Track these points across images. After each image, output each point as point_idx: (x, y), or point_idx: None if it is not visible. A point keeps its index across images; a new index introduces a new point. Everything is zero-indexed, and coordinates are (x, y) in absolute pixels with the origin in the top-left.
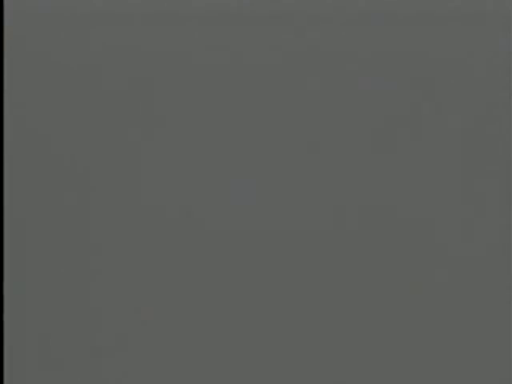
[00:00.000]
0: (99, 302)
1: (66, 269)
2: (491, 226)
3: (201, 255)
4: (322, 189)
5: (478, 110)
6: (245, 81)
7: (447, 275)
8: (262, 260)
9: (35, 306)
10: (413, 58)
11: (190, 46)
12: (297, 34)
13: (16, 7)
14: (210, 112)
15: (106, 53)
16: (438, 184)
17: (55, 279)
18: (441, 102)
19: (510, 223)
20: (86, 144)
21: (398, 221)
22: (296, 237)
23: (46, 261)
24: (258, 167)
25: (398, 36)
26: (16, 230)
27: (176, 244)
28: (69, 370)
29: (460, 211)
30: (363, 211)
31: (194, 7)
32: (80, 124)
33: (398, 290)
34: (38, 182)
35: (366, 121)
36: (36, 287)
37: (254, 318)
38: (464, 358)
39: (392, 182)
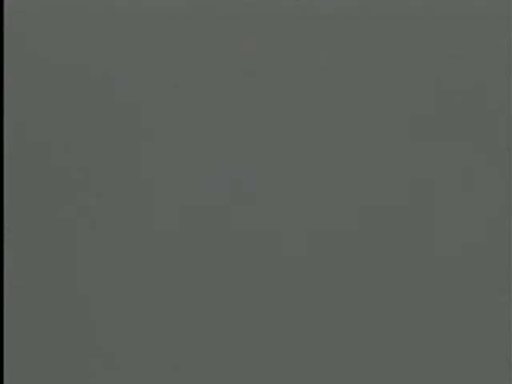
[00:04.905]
0: (99, 302)
1: (66, 269)
2: (491, 226)
3: (199, 256)
4: (322, 188)
5: (478, 110)
6: (245, 82)
7: (447, 275)
8: (261, 261)
9: (35, 306)
10: (412, 58)
11: (190, 46)
12: (297, 35)
13: (16, 7)
14: (210, 113)
15: (105, 53)
16: (437, 182)
17: (55, 279)
18: (441, 102)
19: (510, 223)
20: (85, 145)
21: (397, 221)
22: (297, 238)
23: (45, 261)
24: (260, 167)
25: (397, 36)
26: (16, 230)
27: (176, 248)
28: (69, 370)
29: (459, 210)
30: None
31: (194, 7)
32: (80, 124)
33: (395, 289)
34: (37, 182)
35: (365, 120)
36: (36, 287)
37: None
38: (464, 358)
39: (391, 183)
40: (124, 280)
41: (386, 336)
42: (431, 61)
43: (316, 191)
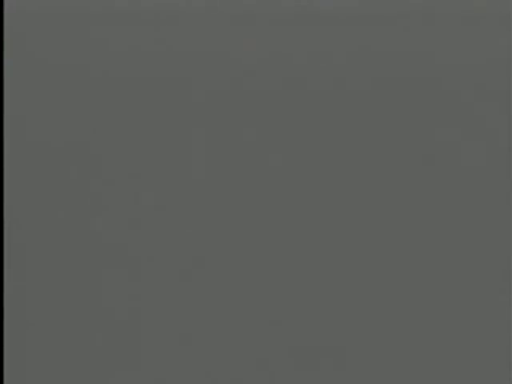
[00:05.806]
0: (99, 303)
1: (66, 270)
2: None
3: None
4: (323, 188)
5: (478, 110)
6: (245, 82)
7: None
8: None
9: (35, 306)
10: (412, 58)
11: (190, 46)
12: (297, 35)
13: (16, 7)
14: (210, 112)
15: (105, 53)
16: (436, 182)
17: (55, 279)
18: (440, 103)
19: (510, 223)
20: (85, 145)
21: (398, 222)
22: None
23: (46, 261)
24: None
25: (396, 36)
26: (16, 230)
27: (177, 249)
28: (69, 370)
29: (460, 211)
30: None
31: (194, 7)
32: (80, 124)
33: (395, 289)
34: (37, 182)
35: (365, 120)
36: (36, 287)
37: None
38: (464, 358)
39: (390, 184)
40: (124, 280)
41: (385, 335)
42: (431, 61)
43: (316, 191)
